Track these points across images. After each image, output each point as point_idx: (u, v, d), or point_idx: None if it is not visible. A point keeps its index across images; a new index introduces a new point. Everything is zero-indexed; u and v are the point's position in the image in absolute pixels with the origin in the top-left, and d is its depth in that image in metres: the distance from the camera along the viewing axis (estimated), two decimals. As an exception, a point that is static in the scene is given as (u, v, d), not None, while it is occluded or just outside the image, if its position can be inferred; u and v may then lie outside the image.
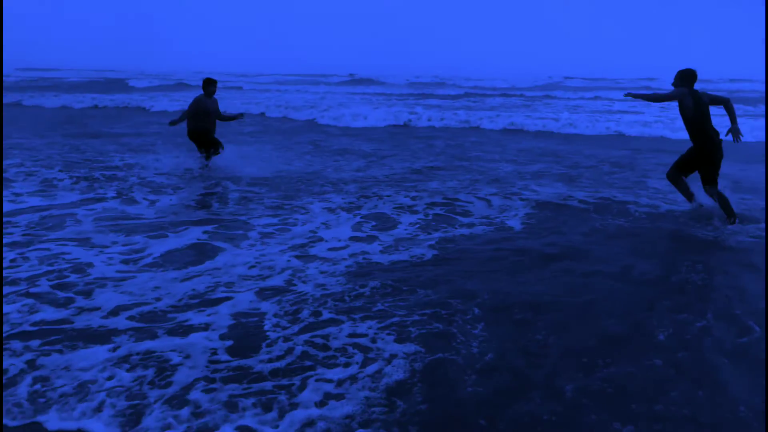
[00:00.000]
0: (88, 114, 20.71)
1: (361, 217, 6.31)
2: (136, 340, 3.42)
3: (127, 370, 3.09)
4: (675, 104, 23.72)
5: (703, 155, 6.12)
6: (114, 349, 3.31)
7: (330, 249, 5.22)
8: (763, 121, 16.74)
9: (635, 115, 20.42)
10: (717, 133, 6.09)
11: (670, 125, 16.70)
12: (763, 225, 6.07)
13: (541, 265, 4.86)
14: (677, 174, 6.43)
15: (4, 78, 45.57)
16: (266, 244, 5.29)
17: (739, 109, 22.15)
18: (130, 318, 3.71)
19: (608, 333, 3.61)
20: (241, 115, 9.27)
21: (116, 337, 3.45)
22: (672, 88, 6.16)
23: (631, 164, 10.39)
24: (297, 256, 4.96)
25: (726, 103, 6.02)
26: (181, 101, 24.98)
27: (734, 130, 5.95)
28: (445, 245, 5.38)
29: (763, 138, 14.06)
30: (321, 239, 5.49)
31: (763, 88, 43.56)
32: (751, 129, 14.91)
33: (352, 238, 5.55)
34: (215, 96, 9.01)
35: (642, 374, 3.13)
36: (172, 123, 8.75)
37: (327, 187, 7.91)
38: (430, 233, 5.78)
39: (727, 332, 3.66)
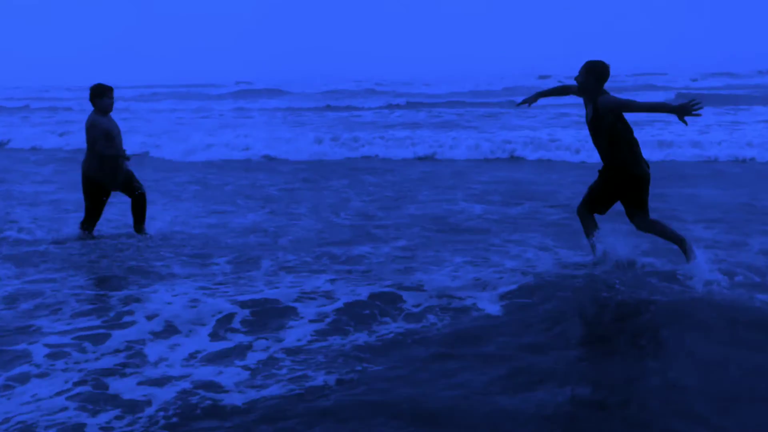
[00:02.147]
0: None
1: (232, 305, 5.60)
2: None
3: None
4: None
5: (618, 179, 6.25)
6: None
7: (147, 383, 4.38)
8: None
9: (655, 127, 20.56)
10: (638, 150, 6.23)
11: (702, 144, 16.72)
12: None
13: (531, 396, 4.28)
14: (586, 206, 6.58)
15: None
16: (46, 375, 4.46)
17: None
18: None
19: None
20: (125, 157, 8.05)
21: None
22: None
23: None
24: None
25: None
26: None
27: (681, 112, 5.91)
28: (361, 357, 4.69)
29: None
30: (142, 360, 4.70)
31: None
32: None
33: (200, 359, 4.75)
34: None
35: None
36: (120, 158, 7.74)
37: (179, 258, 7.17)
38: (341, 337, 5.09)
39: None
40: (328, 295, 5.88)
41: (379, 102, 37.15)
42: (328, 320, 5.34)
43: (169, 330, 5.17)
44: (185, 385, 4.23)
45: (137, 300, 5.83)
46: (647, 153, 14.62)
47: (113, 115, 8.03)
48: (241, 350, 4.81)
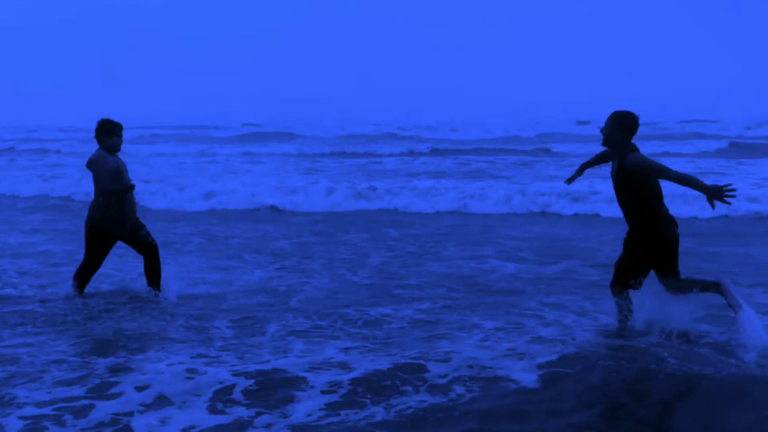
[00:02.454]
0: None
1: (233, 376, 5.42)
2: None
3: None
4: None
5: (645, 243, 6.21)
6: None
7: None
8: None
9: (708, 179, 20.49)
10: (666, 210, 6.20)
11: None
12: None
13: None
14: (619, 284, 6.55)
15: None
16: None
17: None
18: None
19: None
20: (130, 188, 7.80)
21: None
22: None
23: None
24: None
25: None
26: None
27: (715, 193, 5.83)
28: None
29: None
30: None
31: None
32: None
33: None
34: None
35: None
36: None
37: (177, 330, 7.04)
38: (355, 412, 4.92)
39: None
40: (343, 365, 5.72)
41: (401, 148, 37.38)
42: (341, 392, 5.18)
43: (161, 401, 5.01)
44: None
45: (126, 369, 5.67)
46: (696, 207, 14.66)
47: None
48: (239, 426, 4.65)
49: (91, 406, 4.91)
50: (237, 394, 5.14)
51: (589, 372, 5.52)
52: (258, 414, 4.83)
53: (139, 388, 5.22)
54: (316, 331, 6.69)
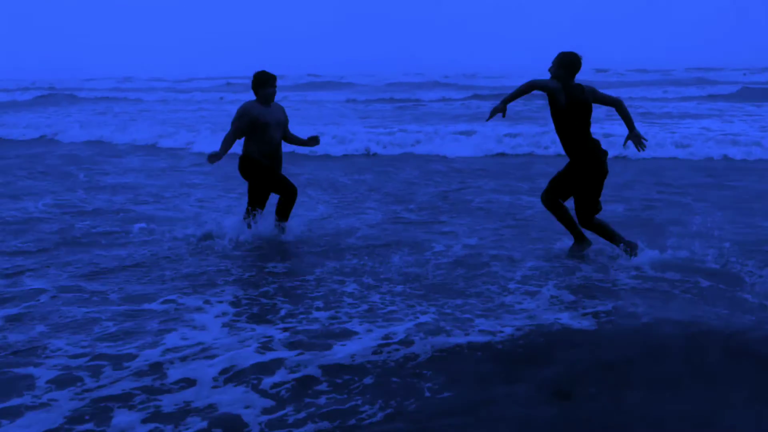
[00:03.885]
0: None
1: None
2: None
3: None
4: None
5: (578, 174, 5.96)
6: None
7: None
8: None
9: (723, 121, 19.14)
10: (598, 144, 5.96)
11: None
12: None
13: None
14: (552, 197, 6.16)
15: None
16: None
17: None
18: None
19: None
20: (315, 140, 7.11)
21: None
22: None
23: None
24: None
25: (618, 105, 5.94)
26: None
27: (635, 137, 5.94)
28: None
29: None
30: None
31: None
32: None
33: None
34: (279, 102, 6.96)
35: None
36: (214, 157, 6.55)
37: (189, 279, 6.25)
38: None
39: None
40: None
41: (445, 93, 36.08)
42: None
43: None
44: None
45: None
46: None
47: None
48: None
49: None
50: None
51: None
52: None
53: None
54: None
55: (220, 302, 5.13)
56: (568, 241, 6.45)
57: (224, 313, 4.90)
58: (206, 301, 5.15)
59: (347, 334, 4.48)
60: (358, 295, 5.27)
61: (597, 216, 6.12)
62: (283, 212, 6.93)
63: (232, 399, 3.64)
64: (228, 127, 6.84)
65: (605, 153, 5.96)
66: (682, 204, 8.91)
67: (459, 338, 4.36)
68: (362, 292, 5.34)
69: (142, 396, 3.66)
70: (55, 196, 9.72)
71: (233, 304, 5.12)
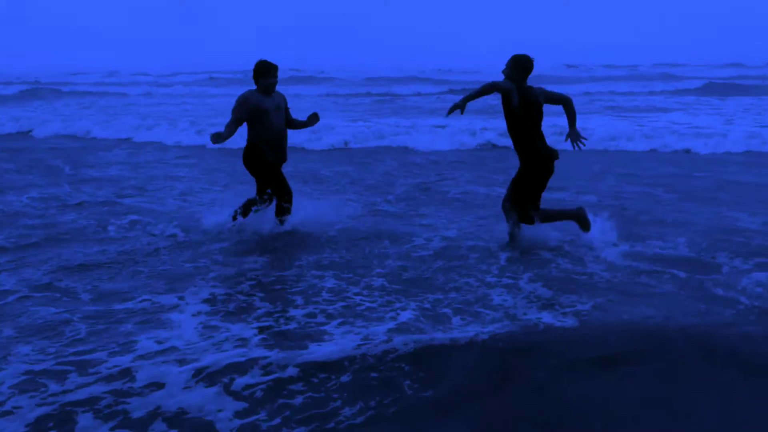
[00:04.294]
0: None
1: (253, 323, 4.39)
2: None
3: None
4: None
5: (525, 172, 5.93)
6: None
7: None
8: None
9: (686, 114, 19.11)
10: (547, 146, 5.90)
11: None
12: None
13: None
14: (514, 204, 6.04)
15: None
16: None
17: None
18: None
19: None
20: (315, 118, 6.78)
21: None
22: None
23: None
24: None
25: (566, 102, 5.89)
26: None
27: (573, 134, 5.93)
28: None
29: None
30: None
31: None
32: None
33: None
34: (280, 91, 6.65)
35: None
36: (218, 137, 6.18)
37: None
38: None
39: None
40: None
41: (423, 88, 35.82)
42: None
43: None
44: None
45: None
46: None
47: None
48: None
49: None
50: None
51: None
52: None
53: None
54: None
55: (196, 301, 4.82)
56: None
57: (199, 312, 4.60)
58: (181, 298, 4.86)
59: (324, 334, 4.21)
60: (337, 290, 5.02)
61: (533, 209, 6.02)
62: (281, 212, 6.66)
63: (203, 402, 3.37)
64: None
65: (555, 153, 5.90)
66: (652, 195, 8.78)
67: (439, 336, 4.12)
68: (341, 287, 5.09)
69: (109, 400, 3.38)
70: (40, 190, 9.34)
71: (209, 302, 4.82)
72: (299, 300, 4.84)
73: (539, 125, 5.91)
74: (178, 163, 12.40)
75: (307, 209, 6.93)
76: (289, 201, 6.68)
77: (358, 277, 5.33)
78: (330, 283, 5.20)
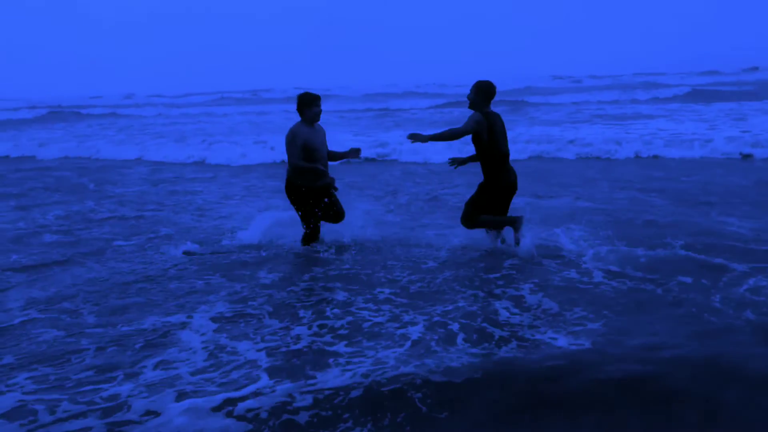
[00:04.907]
0: None
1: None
2: None
3: None
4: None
5: (487, 188, 5.85)
6: None
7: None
8: None
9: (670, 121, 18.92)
10: (508, 175, 5.83)
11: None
12: None
13: None
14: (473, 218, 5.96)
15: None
16: None
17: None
18: None
19: None
20: (356, 151, 6.40)
21: None
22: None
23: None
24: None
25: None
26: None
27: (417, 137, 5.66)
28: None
29: None
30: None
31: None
32: None
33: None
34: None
35: None
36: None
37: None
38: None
39: None
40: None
41: (422, 102, 35.65)
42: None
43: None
44: None
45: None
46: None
47: None
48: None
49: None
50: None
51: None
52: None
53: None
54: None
55: (204, 320, 4.52)
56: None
57: (204, 333, 4.30)
58: (190, 317, 4.59)
59: (332, 355, 3.88)
60: (346, 304, 4.76)
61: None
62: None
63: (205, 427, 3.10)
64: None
65: (514, 186, 5.89)
66: (644, 201, 8.66)
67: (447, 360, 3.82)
68: (350, 300, 4.84)
69: (103, 430, 3.11)
70: (65, 207, 9.29)
71: (218, 320, 4.52)
72: (308, 316, 4.57)
73: (507, 150, 5.84)
74: (196, 177, 12.35)
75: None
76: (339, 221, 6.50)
77: (365, 288, 5.11)
78: (340, 296, 4.96)
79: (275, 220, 6.93)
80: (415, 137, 5.60)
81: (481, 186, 5.93)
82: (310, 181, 6.16)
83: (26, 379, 3.69)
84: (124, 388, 3.51)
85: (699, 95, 32.65)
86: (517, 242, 5.86)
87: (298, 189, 6.19)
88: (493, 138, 5.74)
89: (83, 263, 6.17)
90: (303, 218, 6.31)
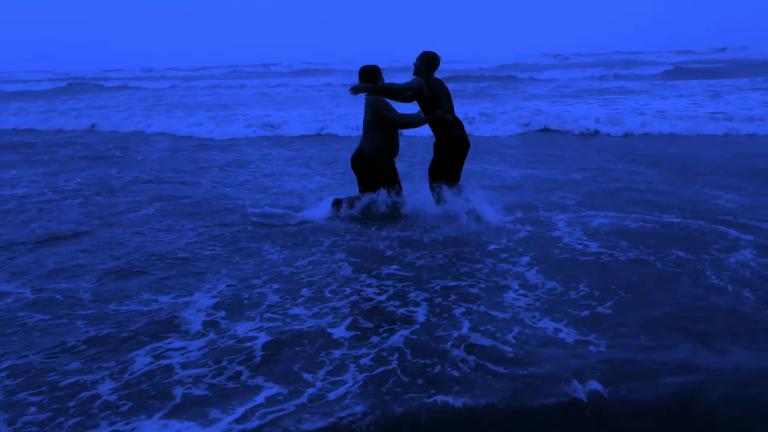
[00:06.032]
0: None
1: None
2: None
3: None
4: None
5: (442, 150, 5.74)
6: None
7: None
8: None
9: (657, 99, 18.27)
10: (461, 131, 5.73)
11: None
12: None
13: None
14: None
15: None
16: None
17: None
18: None
19: None
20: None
21: None
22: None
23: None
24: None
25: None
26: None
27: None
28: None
29: None
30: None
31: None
32: None
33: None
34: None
35: None
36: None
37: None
38: None
39: None
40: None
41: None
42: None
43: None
44: None
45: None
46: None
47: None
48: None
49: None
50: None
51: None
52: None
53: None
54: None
55: (206, 299, 4.10)
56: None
57: (207, 311, 3.90)
58: (191, 294, 4.17)
59: (337, 345, 3.44)
60: (349, 280, 4.35)
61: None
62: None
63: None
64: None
65: (467, 142, 5.77)
66: (634, 172, 8.23)
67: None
68: (353, 276, 4.43)
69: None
70: (89, 174, 8.92)
71: (219, 298, 4.08)
72: (308, 293, 4.14)
73: (452, 111, 5.77)
74: (215, 150, 11.64)
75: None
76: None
77: (369, 263, 4.68)
78: (346, 271, 4.56)
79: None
80: (356, 89, 5.61)
81: (435, 146, 5.81)
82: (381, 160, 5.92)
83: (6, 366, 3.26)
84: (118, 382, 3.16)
85: (683, 73, 31.87)
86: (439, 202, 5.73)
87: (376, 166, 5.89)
88: (435, 95, 5.69)
89: (87, 237, 5.72)
90: (366, 189, 5.94)
